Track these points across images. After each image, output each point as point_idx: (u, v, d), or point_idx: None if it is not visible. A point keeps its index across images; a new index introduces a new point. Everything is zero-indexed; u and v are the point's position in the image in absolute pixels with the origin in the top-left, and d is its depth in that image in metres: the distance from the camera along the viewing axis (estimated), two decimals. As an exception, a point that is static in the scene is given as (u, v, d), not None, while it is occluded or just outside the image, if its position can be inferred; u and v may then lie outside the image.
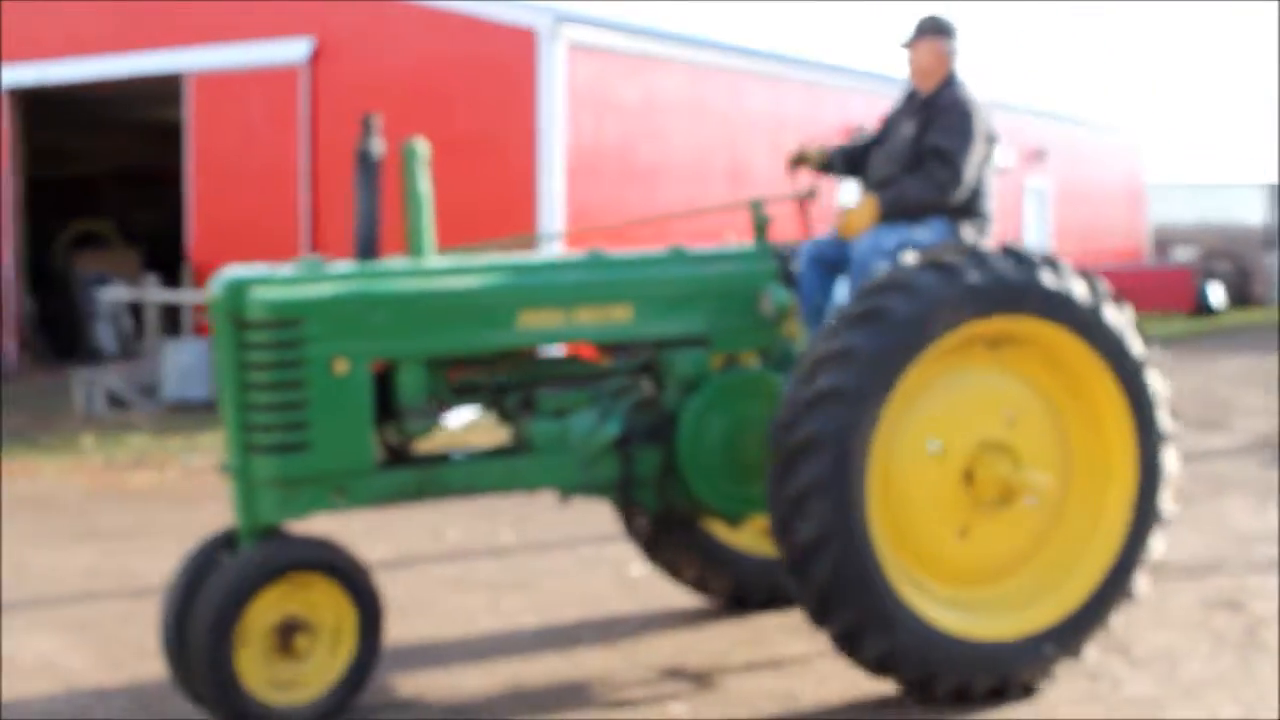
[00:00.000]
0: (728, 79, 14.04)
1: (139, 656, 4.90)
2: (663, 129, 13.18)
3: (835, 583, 4.01)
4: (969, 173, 4.62)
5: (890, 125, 4.93)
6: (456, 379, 4.48)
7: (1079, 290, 4.31)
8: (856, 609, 4.03)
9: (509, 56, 11.87)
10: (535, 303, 4.43)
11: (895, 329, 4.04)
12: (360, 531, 5.69)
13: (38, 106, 15.33)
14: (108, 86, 14.84)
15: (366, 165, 4.41)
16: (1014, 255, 4.26)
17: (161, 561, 5.58)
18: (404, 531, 6.53)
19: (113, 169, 18.28)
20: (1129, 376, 4.41)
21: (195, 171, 13.78)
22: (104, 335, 15.02)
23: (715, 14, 14.90)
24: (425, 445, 4.56)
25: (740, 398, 4.57)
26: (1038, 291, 4.24)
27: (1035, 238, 19.75)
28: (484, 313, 4.37)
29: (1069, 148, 21.42)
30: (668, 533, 5.10)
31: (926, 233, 4.62)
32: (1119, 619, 4.46)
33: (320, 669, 4.18)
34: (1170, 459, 4.47)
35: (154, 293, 13.21)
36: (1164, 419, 4.46)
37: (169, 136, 14.84)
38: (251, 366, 4.07)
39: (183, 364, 11.91)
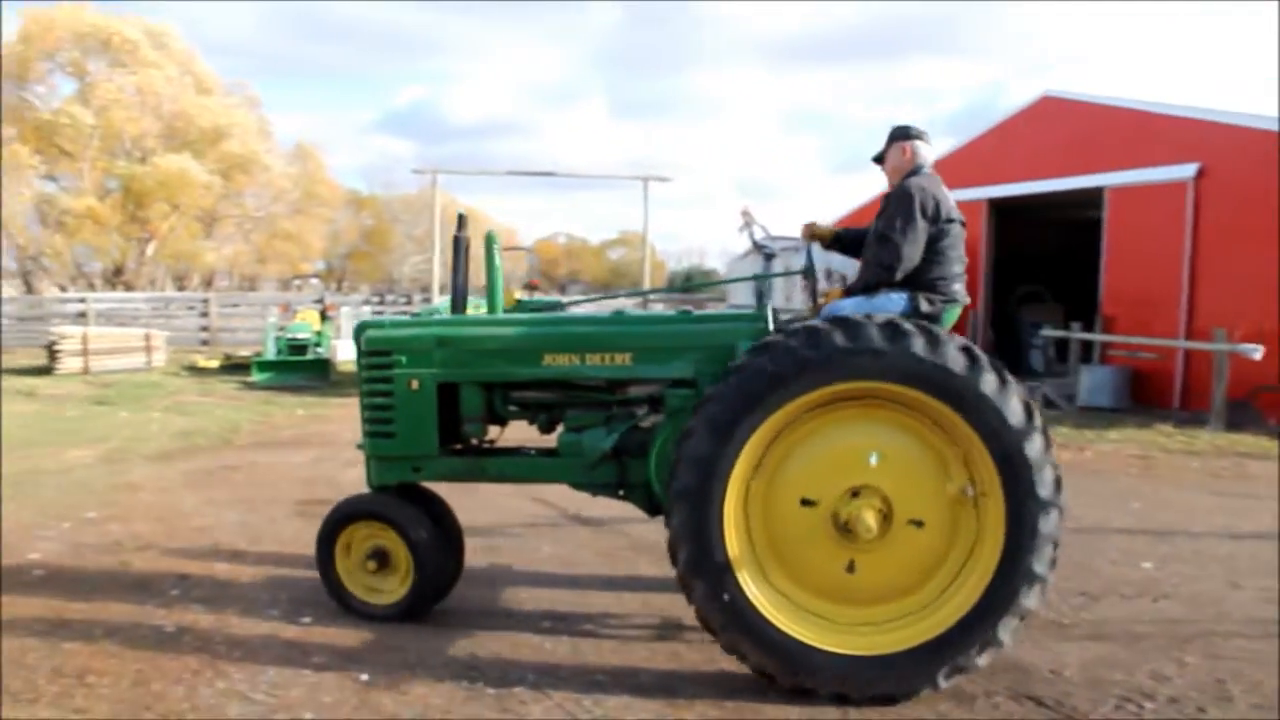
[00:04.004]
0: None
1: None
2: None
3: (689, 573, 4.28)
4: (910, 250, 4.67)
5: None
6: (512, 398, 5.13)
7: (954, 361, 4.20)
8: (703, 598, 4.25)
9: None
10: (554, 349, 4.96)
11: (756, 379, 4.20)
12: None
13: (1003, 211, 18.58)
14: (1047, 196, 17.64)
15: (458, 248, 5.24)
16: (892, 328, 4.17)
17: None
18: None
19: (1046, 251, 21.11)
20: (999, 441, 4.20)
21: (1108, 254, 16.85)
22: (1035, 360, 19.31)
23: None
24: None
25: None
26: (903, 359, 4.18)
27: None
28: (517, 354, 5.00)
29: None
30: None
31: (882, 303, 4.74)
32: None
33: (390, 587, 5.14)
34: (1047, 522, 4.22)
35: (1076, 334, 16.65)
36: (1042, 484, 4.21)
37: (1084, 229, 17.51)
38: (364, 380, 5.12)
39: (1094, 381, 15.25)
